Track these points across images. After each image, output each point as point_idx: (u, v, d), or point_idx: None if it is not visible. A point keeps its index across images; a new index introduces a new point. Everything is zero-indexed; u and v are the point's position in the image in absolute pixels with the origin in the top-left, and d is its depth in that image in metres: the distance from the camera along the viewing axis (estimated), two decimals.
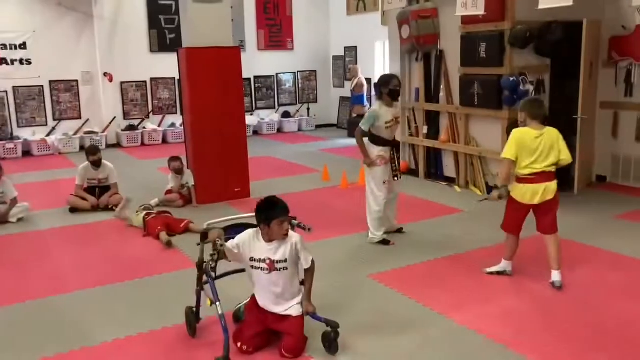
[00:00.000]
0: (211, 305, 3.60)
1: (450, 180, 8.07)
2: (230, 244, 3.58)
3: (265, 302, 3.61)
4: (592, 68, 7.24)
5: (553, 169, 4.44)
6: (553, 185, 4.44)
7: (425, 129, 8.34)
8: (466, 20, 7.31)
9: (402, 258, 5.18)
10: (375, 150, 5.50)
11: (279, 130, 14.38)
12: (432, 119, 8.27)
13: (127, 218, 6.56)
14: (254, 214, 3.60)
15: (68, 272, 5.20)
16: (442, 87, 7.97)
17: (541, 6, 6.17)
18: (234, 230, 3.77)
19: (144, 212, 6.40)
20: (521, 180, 4.45)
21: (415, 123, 8.53)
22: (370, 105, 13.05)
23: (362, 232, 5.88)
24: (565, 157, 4.47)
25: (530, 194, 4.41)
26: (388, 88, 5.41)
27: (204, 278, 3.83)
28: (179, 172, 7.39)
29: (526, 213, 4.52)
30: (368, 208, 5.62)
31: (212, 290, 3.66)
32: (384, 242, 5.51)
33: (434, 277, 4.77)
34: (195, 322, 3.85)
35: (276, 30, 14.26)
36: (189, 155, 7.60)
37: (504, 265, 4.70)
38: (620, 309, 4.04)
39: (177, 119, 13.27)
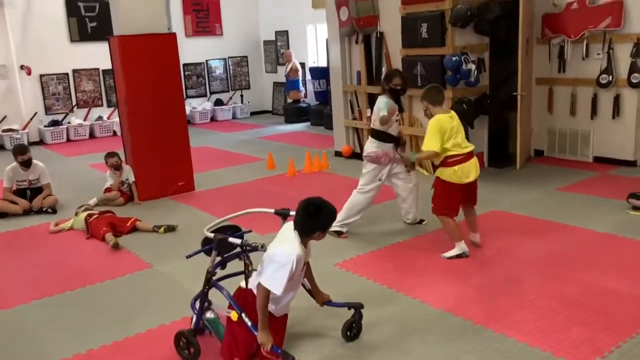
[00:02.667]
0: (238, 318, 3.19)
1: None
2: (284, 275, 3.03)
3: (286, 308, 3.34)
4: (528, 45, 7.41)
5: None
6: (475, 160, 4.63)
7: (368, 112, 8.27)
8: (406, 0, 7.28)
9: (366, 244, 5.11)
10: (379, 148, 5.24)
11: (212, 119, 13.98)
12: (374, 101, 8.21)
13: (62, 229, 6.08)
14: (246, 212, 3.48)
15: (4, 285, 4.77)
16: (384, 69, 7.94)
17: None
18: (229, 231, 3.44)
19: (85, 213, 6.00)
20: (450, 163, 4.52)
21: (359, 106, 8.47)
22: (306, 90, 12.94)
23: None
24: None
25: (463, 173, 4.53)
26: (389, 85, 5.20)
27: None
28: (117, 168, 6.98)
29: (461, 192, 4.61)
30: (350, 198, 5.40)
31: (230, 299, 3.27)
32: (337, 233, 5.38)
33: (398, 261, 4.74)
34: (198, 343, 3.33)
35: (203, 15, 13.78)
36: (127, 150, 7.20)
37: (460, 247, 4.70)
38: (581, 279, 4.15)
39: (104, 112, 12.62)
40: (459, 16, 6.78)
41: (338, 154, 8.87)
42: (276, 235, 3.26)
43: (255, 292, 3.15)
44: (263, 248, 3.09)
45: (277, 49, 14.16)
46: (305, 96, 13.12)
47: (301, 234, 3.11)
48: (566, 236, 5.06)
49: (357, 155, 8.63)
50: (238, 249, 3.32)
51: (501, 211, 5.81)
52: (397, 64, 7.68)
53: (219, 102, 14.17)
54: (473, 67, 6.94)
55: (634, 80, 6.95)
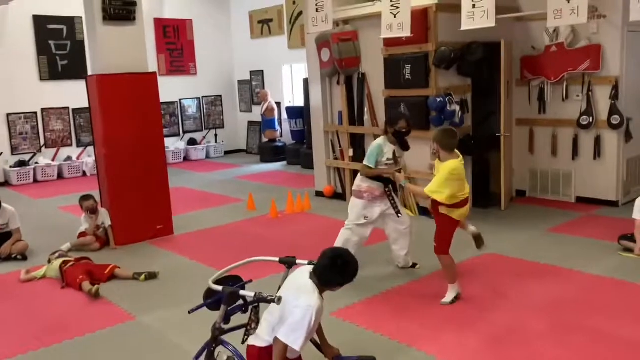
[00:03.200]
0: None
1: None
2: (304, 330, 2.82)
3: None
4: (508, 86, 7.48)
5: None
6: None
7: (351, 152, 8.21)
8: (388, 42, 7.29)
9: (360, 290, 4.92)
10: (365, 184, 5.17)
11: (186, 159, 13.73)
12: (357, 141, 8.16)
13: (34, 277, 5.72)
14: (249, 260, 3.23)
15: None
16: (366, 109, 7.90)
17: (464, 27, 6.26)
18: (230, 282, 3.18)
19: (60, 260, 5.66)
20: (460, 204, 4.44)
21: (340, 146, 8.38)
22: (282, 129, 12.85)
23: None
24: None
25: (463, 215, 4.51)
26: (393, 128, 5.10)
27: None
28: (93, 212, 6.66)
29: None
30: (340, 235, 5.30)
31: (239, 357, 3.05)
32: None
33: (395, 308, 4.56)
34: None
35: (177, 54, 13.66)
36: (103, 192, 6.90)
37: (455, 289, 4.58)
38: (587, 326, 4.04)
39: (74, 152, 12.24)
40: (443, 58, 6.81)
41: (319, 194, 8.72)
42: (286, 283, 3.06)
43: (255, 346, 2.94)
44: (279, 301, 2.86)
45: (252, 88, 14.10)
46: (281, 135, 13.01)
47: (322, 284, 2.93)
48: (564, 280, 4.97)
49: (338, 196, 8.51)
50: (241, 301, 3.10)
51: (496, 254, 5.70)
52: (379, 104, 7.65)
53: (192, 142, 13.95)
54: (457, 107, 6.94)
55: (614, 122, 7.05)
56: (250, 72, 14.04)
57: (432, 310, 4.48)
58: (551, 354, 3.69)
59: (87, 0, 6.56)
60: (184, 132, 13.99)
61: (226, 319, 3.10)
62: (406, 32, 6.65)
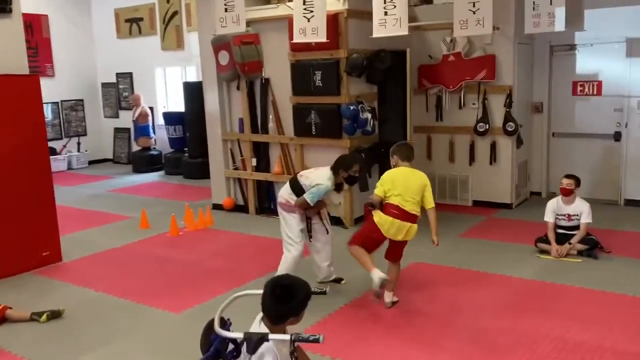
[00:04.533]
0: None
1: None
2: None
3: None
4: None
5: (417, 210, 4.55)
6: (415, 226, 4.56)
7: (254, 162, 7.78)
8: (296, 47, 7.00)
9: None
10: (294, 197, 4.90)
11: None
12: (260, 150, 7.76)
13: None
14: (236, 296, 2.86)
15: None
16: (271, 117, 7.53)
17: (375, 35, 6.19)
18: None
19: None
20: (388, 212, 4.49)
21: (242, 155, 7.91)
22: (155, 134, 11.96)
23: (237, 287, 5.11)
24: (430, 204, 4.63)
25: (393, 228, 4.49)
26: (348, 173, 4.85)
27: None
28: None
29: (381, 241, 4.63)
30: (284, 258, 4.92)
31: None
32: None
33: (348, 330, 4.28)
34: None
35: (32, 53, 12.04)
36: None
37: (377, 274, 4.43)
38: (547, 334, 4.10)
39: None
40: (355, 65, 6.68)
41: (217, 207, 8.16)
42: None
43: None
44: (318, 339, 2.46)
45: (119, 92, 12.97)
46: (155, 143, 12.10)
47: (272, 324, 2.63)
48: (499, 285, 5.06)
49: (240, 208, 8.04)
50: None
51: (422, 263, 5.67)
52: (286, 111, 7.34)
53: (51, 152, 12.42)
54: (369, 116, 6.87)
55: (509, 129, 7.45)
56: (117, 74, 12.89)
57: (385, 328, 4.28)
58: None
59: None
60: None
61: None
62: (321, 37, 6.39)
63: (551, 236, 5.81)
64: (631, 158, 7.58)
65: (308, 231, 5.00)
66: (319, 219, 5.09)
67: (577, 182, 5.83)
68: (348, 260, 5.28)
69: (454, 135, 7.96)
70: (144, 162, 11.85)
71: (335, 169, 4.88)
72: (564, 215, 5.84)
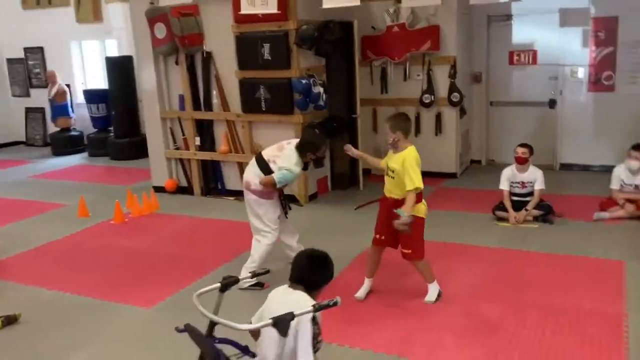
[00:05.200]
0: None
1: (237, 194, 7.38)
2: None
3: None
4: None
5: None
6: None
7: (197, 141, 7.40)
8: (240, 19, 6.67)
9: None
10: (259, 183, 4.61)
11: None
12: (204, 128, 7.39)
13: None
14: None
15: None
16: (215, 93, 7.17)
17: (326, 5, 6.03)
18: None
19: None
20: (420, 197, 4.17)
21: (184, 135, 7.50)
22: (74, 113, 11.15)
23: (206, 275, 4.87)
24: None
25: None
26: (315, 155, 4.61)
27: None
28: None
29: None
30: (258, 245, 4.65)
31: None
32: (258, 284, 4.61)
33: (356, 316, 4.17)
34: None
35: None
36: None
37: (437, 286, 4.29)
38: (535, 301, 4.21)
39: None
40: (306, 37, 6.46)
41: (159, 189, 7.71)
42: (270, 308, 2.66)
43: None
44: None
45: (28, 68, 11.91)
46: (76, 123, 11.27)
47: (315, 290, 2.76)
48: (470, 255, 5.14)
49: (183, 190, 7.66)
50: None
51: None
52: (231, 86, 7.01)
53: None
54: (321, 90, 6.70)
55: (454, 99, 7.55)
56: (25, 49, 11.81)
57: (389, 312, 4.22)
58: (530, 337, 3.73)
59: None
60: None
61: None
62: (272, 8, 6.19)
63: (508, 204, 5.97)
64: (565, 124, 7.95)
65: (285, 214, 4.79)
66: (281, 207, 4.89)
67: (531, 150, 6.00)
68: (322, 235, 5.20)
69: (399, 107, 7.93)
70: (64, 143, 11.01)
71: (301, 150, 4.66)
72: (518, 182, 6.02)
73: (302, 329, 2.49)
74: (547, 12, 7.71)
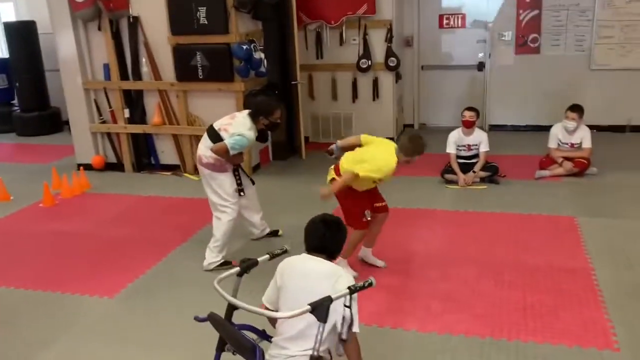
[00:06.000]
0: None
1: (173, 169, 6.98)
2: None
3: None
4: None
5: None
6: None
7: (126, 113, 6.88)
8: None
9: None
10: (213, 155, 4.30)
11: None
12: (133, 99, 6.87)
13: None
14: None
15: None
16: (144, 60, 6.66)
17: None
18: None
19: None
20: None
21: (110, 107, 6.94)
22: None
23: (165, 257, 4.58)
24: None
25: None
26: (269, 119, 4.32)
27: None
28: None
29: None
30: (219, 223, 4.37)
31: None
32: (225, 263, 4.38)
33: None
34: None
35: None
36: None
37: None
38: (507, 259, 4.32)
39: None
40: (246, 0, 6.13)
41: (85, 167, 7.10)
42: (298, 284, 2.52)
43: None
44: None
45: None
46: None
47: (336, 257, 2.73)
48: (430, 219, 5.20)
49: (113, 166, 7.15)
50: None
51: None
52: (163, 53, 6.55)
53: None
54: (262, 55, 6.41)
55: (390, 64, 7.53)
56: None
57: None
58: (513, 297, 3.82)
59: None
60: None
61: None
62: None
63: (456, 167, 6.08)
64: (493, 86, 8.20)
65: (240, 191, 4.54)
66: (241, 171, 4.66)
67: (477, 114, 6.12)
68: (273, 208, 5.05)
69: (335, 73, 7.84)
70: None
71: (255, 115, 4.42)
72: (465, 145, 6.14)
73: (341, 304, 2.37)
74: None
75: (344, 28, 7.57)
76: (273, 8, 6.60)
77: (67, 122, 9.54)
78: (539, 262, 4.23)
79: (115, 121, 6.97)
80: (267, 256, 2.76)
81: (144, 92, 6.82)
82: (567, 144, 6.18)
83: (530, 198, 5.57)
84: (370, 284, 2.41)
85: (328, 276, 2.48)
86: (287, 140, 7.46)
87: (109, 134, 7.09)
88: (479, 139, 6.11)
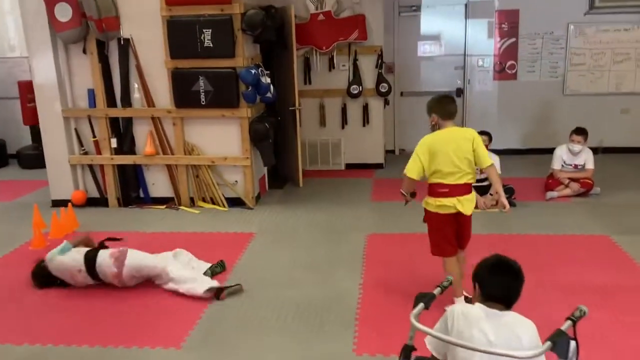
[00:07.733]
0: None
1: (165, 202, 6.43)
2: None
3: None
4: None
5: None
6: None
7: (114, 143, 6.29)
8: (171, 1, 5.81)
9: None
10: None
11: None
12: (122, 128, 6.30)
13: None
14: None
15: None
16: (137, 86, 6.14)
17: None
18: None
19: None
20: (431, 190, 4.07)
21: (94, 136, 6.31)
22: None
23: (214, 301, 4.14)
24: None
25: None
26: None
27: None
28: None
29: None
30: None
31: None
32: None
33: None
34: None
35: None
36: None
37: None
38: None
39: None
40: (254, 23, 5.83)
41: (59, 203, 6.33)
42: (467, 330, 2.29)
43: None
44: None
45: None
46: None
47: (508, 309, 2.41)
48: (469, 245, 5.08)
49: (95, 202, 6.49)
50: None
51: (380, 234, 5.39)
52: (157, 78, 6.09)
53: None
54: (269, 80, 6.13)
55: (382, 90, 7.49)
56: None
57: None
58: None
59: None
60: None
61: None
62: None
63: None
64: (473, 111, 8.38)
65: None
66: None
67: (490, 138, 6.16)
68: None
69: (324, 99, 7.67)
70: None
71: None
72: (477, 169, 6.14)
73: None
74: (454, 4, 8.04)
75: (334, 54, 7.46)
76: (277, 32, 6.35)
77: (13, 156, 8.71)
78: (588, 281, 4.24)
79: (99, 152, 6.34)
80: (439, 289, 2.54)
81: (133, 119, 6.28)
82: (570, 165, 6.37)
83: (553, 218, 5.64)
84: (585, 313, 2.24)
85: (527, 330, 2.26)
86: (282, 167, 7.19)
87: (90, 167, 6.44)
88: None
